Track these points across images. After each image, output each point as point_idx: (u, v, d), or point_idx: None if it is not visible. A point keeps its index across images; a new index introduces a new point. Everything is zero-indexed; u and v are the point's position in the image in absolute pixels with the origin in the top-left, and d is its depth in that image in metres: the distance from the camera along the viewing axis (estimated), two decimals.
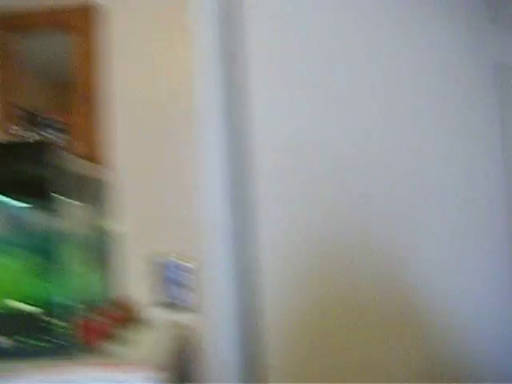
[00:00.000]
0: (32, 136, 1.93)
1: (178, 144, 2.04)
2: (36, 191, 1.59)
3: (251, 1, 2.06)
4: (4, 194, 1.61)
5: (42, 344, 1.52)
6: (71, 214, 1.64)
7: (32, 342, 1.53)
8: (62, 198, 1.61)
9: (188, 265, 1.97)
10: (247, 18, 2.05)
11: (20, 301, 1.59)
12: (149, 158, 2.04)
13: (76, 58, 2.03)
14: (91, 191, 1.84)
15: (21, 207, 1.63)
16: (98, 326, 1.61)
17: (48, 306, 1.54)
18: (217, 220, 2.01)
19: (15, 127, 1.95)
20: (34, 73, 2.10)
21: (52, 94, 2.11)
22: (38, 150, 1.61)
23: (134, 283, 1.95)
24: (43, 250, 1.57)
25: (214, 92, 2.07)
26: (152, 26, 2.07)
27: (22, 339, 1.54)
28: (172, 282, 1.98)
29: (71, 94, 2.03)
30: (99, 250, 1.88)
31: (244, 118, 2.06)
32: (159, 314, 1.94)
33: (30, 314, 1.55)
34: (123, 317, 1.83)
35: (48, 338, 1.53)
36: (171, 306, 1.97)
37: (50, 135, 2.00)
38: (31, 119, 2.01)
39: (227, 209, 2.03)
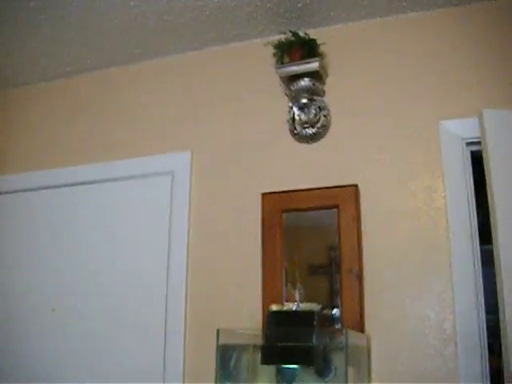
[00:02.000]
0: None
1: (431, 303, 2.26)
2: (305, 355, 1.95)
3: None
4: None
5: None
6: (337, 377, 1.97)
7: None
8: (329, 362, 2.00)
9: None
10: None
11: None
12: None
13: (341, 229, 2.41)
14: (355, 357, 2.07)
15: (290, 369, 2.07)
16: None
17: None
18: None
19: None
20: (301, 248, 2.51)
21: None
22: (308, 318, 2.00)
23: None
24: None
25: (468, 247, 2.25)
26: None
27: None
28: None
29: (338, 267, 2.38)
30: None
31: None
32: None
33: None
34: None
35: None
36: None
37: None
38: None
39: None
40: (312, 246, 2.51)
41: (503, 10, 2.46)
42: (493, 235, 2.06)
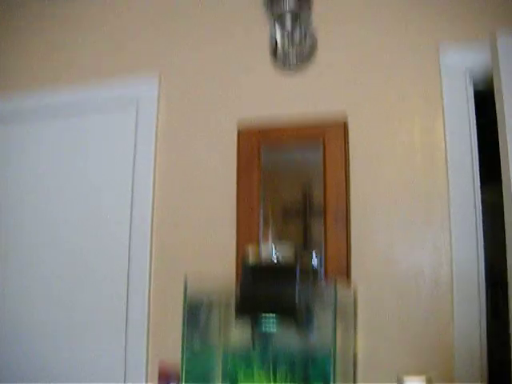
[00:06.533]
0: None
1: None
2: (287, 310, 1.74)
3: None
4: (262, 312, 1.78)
5: None
6: (320, 333, 1.76)
7: None
8: (311, 317, 1.78)
9: None
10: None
11: None
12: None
13: (326, 169, 2.16)
14: (340, 311, 1.82)
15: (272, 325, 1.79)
16: None
17: None
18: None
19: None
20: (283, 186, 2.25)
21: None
22: (291, 272, 1.77)
23: None
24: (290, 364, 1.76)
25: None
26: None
27: None
28: None
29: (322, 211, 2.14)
30: (345, 368, 1.89)
31: None
32: None
33: None
34: None
35: None
36: None
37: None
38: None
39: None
40: (290, 185, 2.25)
41: None
42: (503, 179, 1.79)
